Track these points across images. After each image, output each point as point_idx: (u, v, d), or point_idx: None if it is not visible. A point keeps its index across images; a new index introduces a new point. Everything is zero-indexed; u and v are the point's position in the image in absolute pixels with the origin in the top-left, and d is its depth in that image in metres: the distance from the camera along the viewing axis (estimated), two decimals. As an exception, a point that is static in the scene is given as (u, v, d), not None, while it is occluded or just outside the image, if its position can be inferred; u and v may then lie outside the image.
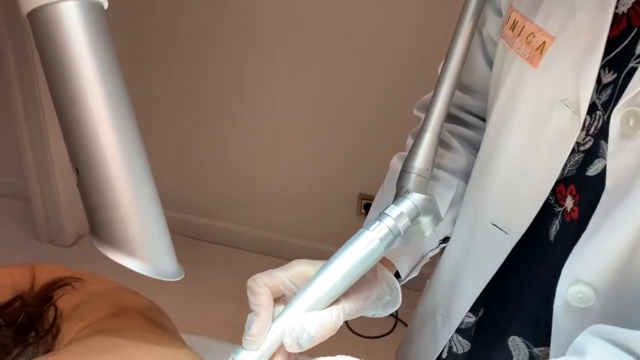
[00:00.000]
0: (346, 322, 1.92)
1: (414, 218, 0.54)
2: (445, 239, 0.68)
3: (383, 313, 0.59)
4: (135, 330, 0.52)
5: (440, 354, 0.70)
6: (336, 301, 0.51)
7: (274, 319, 0.50)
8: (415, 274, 0.66)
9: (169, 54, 2.10)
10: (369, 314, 0.57)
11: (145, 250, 0.46)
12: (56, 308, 0.62)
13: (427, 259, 0.67)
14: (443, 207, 0.65)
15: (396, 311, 2.21)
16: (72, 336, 0.55)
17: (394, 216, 0.52)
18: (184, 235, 2.32)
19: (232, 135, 2.17)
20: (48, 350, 0.57)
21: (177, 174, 2.30)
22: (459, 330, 0.67)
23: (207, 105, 2.14)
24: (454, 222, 0.67)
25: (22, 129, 2.09)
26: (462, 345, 0.68)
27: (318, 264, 0.53)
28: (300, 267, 0.52)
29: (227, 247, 2.32)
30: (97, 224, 0.46)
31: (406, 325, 1.93)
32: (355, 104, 1.96)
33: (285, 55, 1.97)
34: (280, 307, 0.51)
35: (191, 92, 2.13)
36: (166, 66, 2.12)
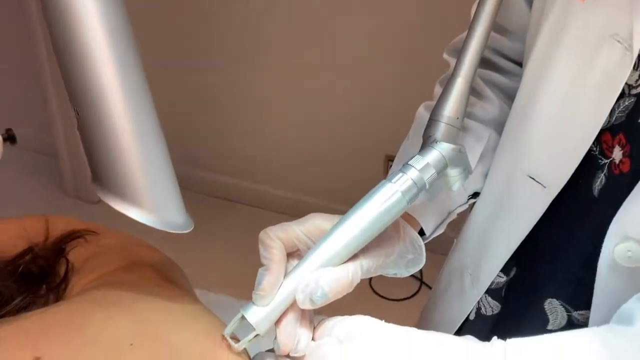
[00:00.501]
0: (369, 284, 1.92)
1: (441, 170, 0.49)
2: (475, 195, 0.64)
3: (406, 273, 0.55)
4: (144, 284, 0.50)
5: (468, 316, 0.67)
6: (353, 257, 0.48)
7: (286, 274, 0.47)
8: (441, 231, 0.62)
9: (187, 4, 2.05)
10: (390, 273, 0.54)
11: (150, 199, 0.43)
12: (68, 261, 0.61)
13: (454, 216, 0.63)
14: (473, 160, 0.60)
15: (421, 274, 2.19)
16: (80, 289, 0.53)
17: (418, 167, 0.48)
18: (202, 194, 2.31)
19: (254, 93, 2.13)
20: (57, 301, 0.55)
21: (198, 132, 2.28)
22: (488, 291, 0.64)
23: (230, 60, 2.09)
24: (485, 175, 0.63)
25: (48, 85, 2.09)
26: (492, 307, 0.64)
27: (335, 218, 0.49)
28: (316, 221, 0.49)
29: (249, 206, 2.32)
30: (99, 170, 0.43)
31: (431, 288, 1.91)
32: (383, 61, 1.89)
33: (311, 12, 1.90)
34: (294, 262, 0.48)
35: (212, 44, 2.09)
36: (184, 17, 2.07)
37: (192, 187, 2.24)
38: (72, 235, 0.64)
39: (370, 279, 1.88)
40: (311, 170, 2.19)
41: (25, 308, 0.50)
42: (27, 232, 0.64)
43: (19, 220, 0.69)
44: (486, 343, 0.42)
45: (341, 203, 2.13)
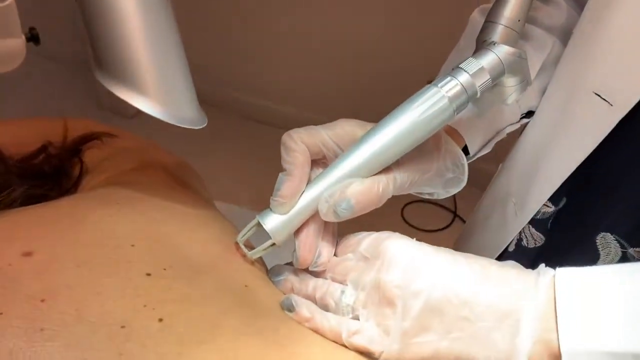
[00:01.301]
0: (401, 213, 1.88)
1: (497, 77, 0.43)
2: (529, 114, 0.57)
3: (444, 193, 0.50)
4: (154, 185, 0.46)
5: (507, 247, 0.61)
6: (386, 170, 0.43)
7: (309, 182, 0.42)
8: (486, 151, 0.55)
9: None
10: (426, 191, 0.48)
11: (159, 89, 0.38)
12: (82, 162, 0.57)
13: (503, 135, 0.56)
14: (532, 71, 0.53)
15: (455, 205, 2.10)
16: (90, 189, 0.49)
17: (471, 72, 0.41)
18: (227, 111, 2.26)
19: (282, 6, 2.03)
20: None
21: (225, 49, 2.21)
22: (532, 222, 0.58)
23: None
24: (543, 92, 0.55)
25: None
26: (535, 239, 0.59)
27: (368, 125, 0.44)
28: (346, 126, 0.44)
29: (277, 128, 2.26)
30: (101, 53, 0.38)
31: (464, 221, 1.85)
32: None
33: None
34: (318, 171, 0.43)
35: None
36: None
37: (215, 104, 2.20)
38: (90, 137, 0.61)
39: (402, 208, 1.84)
40: (345, 94, 2.11)
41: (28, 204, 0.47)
42: (44, 133, 0.62)
43: (37, 121, 0.66)
44: (532, 270, 0.37)
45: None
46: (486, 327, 0.36)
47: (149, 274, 0.34)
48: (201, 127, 0.40)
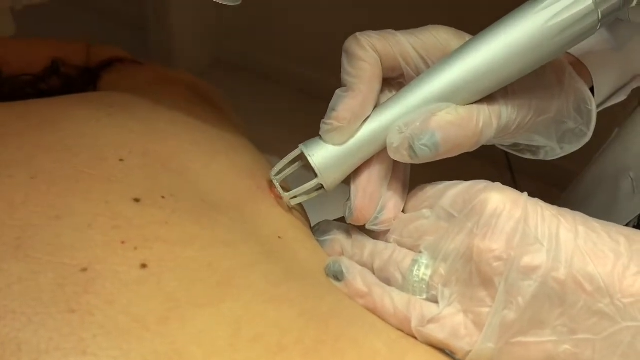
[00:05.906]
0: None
1: None
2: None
3: (557, 150, 0.37)
4: (169, 97, 0.34)
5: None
6: (489, 98, 0.30)
7: (377, 106, 0.30)
8: (617, 100, 0.41)
9: None
10: (535, 142, 0.35)
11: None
12: (95, 87, 0.48)
13: (638, 84, 0.42)
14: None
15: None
16: None
17: None
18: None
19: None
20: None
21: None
22: (658, 204, 0.44)
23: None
24: None
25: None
26: (660, 226, 0.45)
27: (468, 36, 0.31)
28: (438, 34, 0.31)
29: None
30: None
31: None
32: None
33: None
34: (390, 94, 0.31)
35: None
36: None
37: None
38: (112, 60, 0.52)
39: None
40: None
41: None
42: (66, 56, 0.52)
43: (52, 41, 0.57)
44: None
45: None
46: (635, 329, 0.24)
47: (137, 200, 0.23)
48: (236, 4, 0.28)
